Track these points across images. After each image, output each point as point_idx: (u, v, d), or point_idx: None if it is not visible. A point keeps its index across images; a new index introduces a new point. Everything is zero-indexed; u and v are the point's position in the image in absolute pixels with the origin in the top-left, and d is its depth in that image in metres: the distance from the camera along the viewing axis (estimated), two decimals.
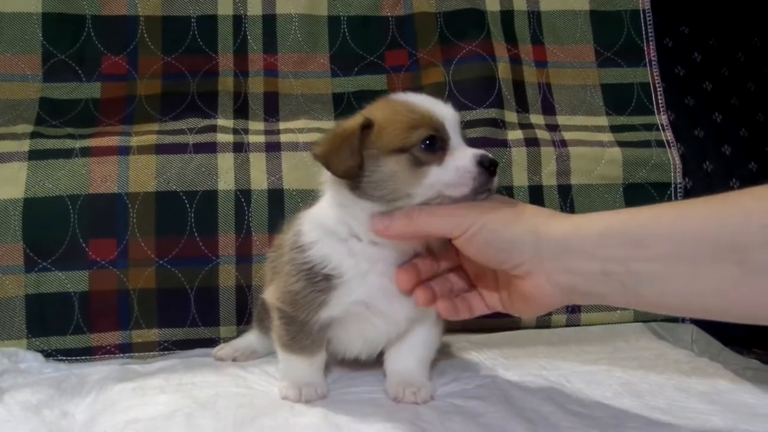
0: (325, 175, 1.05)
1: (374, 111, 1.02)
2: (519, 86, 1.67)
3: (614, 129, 1.66)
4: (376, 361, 1.18)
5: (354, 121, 1.00)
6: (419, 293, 1.00)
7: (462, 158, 0.96)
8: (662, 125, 1.67)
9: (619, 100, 1.69)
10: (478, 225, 0.91)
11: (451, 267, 1.05)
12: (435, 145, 0.97)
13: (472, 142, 1.05)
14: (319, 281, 1.02)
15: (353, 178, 0.98)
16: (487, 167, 0.95)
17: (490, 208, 0.93)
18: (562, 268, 0.88)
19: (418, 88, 1.65)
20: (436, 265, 1.04)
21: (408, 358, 1.12)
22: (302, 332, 1.06)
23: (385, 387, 1.11)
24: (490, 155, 0.97)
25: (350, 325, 1.09)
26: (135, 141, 1.52)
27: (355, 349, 1.14)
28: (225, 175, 1.51)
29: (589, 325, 1.54)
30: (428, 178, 0.95)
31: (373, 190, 0.97)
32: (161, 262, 1.47)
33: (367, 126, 0.98)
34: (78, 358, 1.44)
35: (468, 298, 1.04)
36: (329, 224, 1.03)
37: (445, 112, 1.01)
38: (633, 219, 0.84)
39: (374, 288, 1.03)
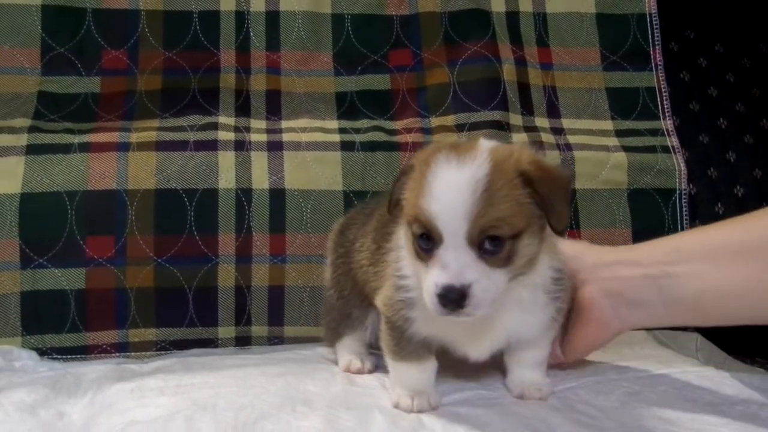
0: None
1: (420, 159, 0.91)
2: (524, 88, 1.65)
3: (619, 133, 1.65)
4: (380, 365, 1.17)
5: (413, 160, 0.94)
6: None
7: (431, 278, 0.85)
8: (668, 130, 1.66)
9: (624, 104, 1.68)
10: None
11: None
12: (429, 243, 0.87)
13: None
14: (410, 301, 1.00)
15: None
16: (445, 303, 0.84)
17: None
18: (610, 276, 1.09)
19: (422, 89, 1.64)
20: None
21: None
22: (402, 339, 1.04)
23: (506, 383, 1.11)
24: (459, 286, 0.82)
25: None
26: (135, 137, 1.51)
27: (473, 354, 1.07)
28: (226, 173, 1.49)
29: None
30: (423, 274, 0.89)
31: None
32: (159, 260, 1.45)
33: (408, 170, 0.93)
34: (73, 356, 1.42)
35: None
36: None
37: (444, 205, 0.84)
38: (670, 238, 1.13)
39: (446, 326, 0.99)
